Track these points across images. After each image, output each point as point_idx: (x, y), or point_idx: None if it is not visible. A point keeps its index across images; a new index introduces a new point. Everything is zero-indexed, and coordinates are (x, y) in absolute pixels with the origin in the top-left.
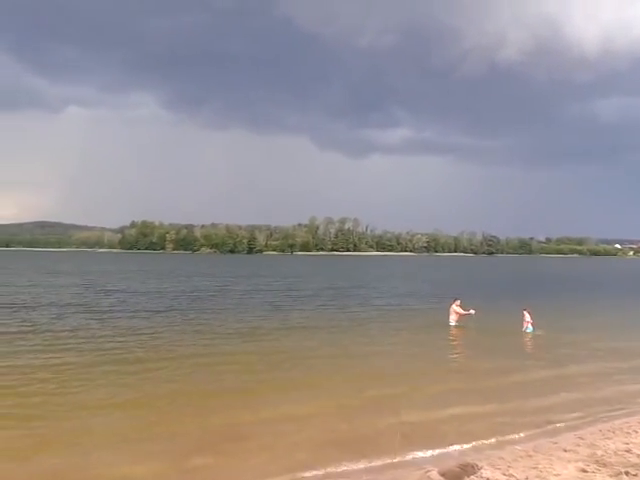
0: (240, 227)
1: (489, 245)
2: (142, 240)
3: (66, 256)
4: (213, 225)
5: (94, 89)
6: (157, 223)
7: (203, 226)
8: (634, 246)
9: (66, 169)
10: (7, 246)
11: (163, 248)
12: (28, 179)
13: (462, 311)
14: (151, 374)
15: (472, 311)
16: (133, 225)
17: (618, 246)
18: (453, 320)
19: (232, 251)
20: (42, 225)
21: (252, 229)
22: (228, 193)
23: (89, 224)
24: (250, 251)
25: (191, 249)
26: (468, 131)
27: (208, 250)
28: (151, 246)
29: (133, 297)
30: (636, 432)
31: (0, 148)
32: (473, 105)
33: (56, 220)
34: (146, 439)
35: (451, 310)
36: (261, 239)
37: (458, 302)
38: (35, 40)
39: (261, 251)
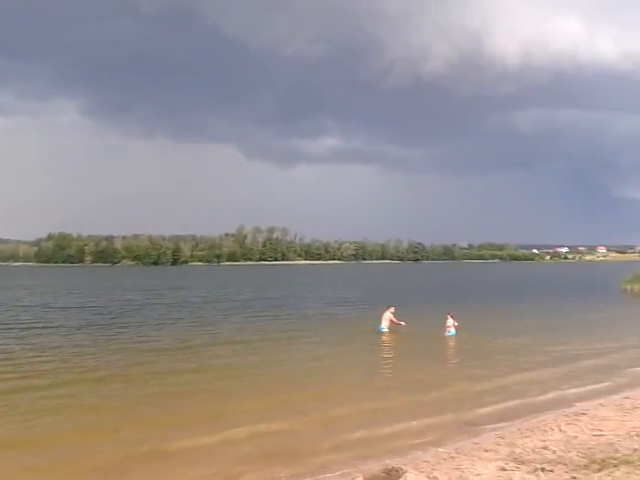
0: (164, 238)
1: (415, 252)
2: (59, 253)
3: None
4: (135, 236)
5: (11, 96)
6: (75, 235)
7: (124, 237)
8: (550, 251)
9: None
10: None
11: (82, 261)
12: None
13: (395, 319)
14: (74, 398)
15: (402, 323)
16: (50, 237)
17: (536, 251)
18: (385, 326)
19: (155, 263)
20: None
21: (176, 240)
22: (151, 203)
23: (3, 237)
24: (175, 262)
25: (111, 262)
26: (395, 141)
27: (130, 262)
28: (69, 259)
29: (52, 312)
30: (552, 430)
31: None
32: (400, 115)
33: None
34: (65, 475)
35: (384, 316)
36: (186, 250)
37: (392, 309)
38: None
39: (186, 262)
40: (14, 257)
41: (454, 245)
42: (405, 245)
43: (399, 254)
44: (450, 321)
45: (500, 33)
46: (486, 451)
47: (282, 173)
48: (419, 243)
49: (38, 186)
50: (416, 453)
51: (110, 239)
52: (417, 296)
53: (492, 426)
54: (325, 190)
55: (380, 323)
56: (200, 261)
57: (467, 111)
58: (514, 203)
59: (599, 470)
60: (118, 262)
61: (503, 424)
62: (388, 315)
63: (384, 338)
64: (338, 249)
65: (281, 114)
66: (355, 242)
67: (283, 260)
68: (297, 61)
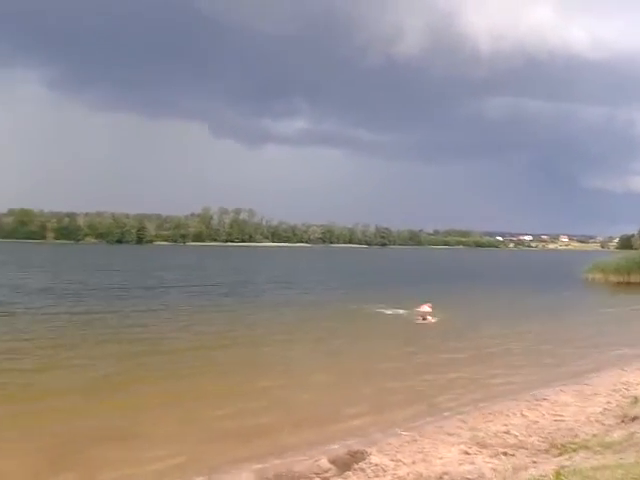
0: (128, 216)
1: (382, 237)
2: (20, 229)
3: None
4: (98, 213)
5: None
6: (37, 211)
7: (87, 214)
8: (514, 239)
9: None
10: None
11: (43, 237)
12: None
13: (429, 311)
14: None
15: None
16: (11, 213)
17: (500, 239)
18: (425, 317)
19: (119, 241)
20: None
21: (141, 218)
22: (115, 180)
23: None
24: (139, 241)
25: (74, 239)
26: (365, 124)
27: (93, 240)
28: (30, 235)
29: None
30: (514, 414)
31: None
32: (372, 98)
33: None
34: None
35: (422, 309)
36: (151, 229)
37: (429, 304)
38: None
39: (151, 241)
40: None
41: (420, 231)
42: (372, 230)
43: (366, 238)
44: (425, 308)
45: (471, 14)
46: (449, 435)
47: (251, 153)
48: (386, 228)
49: None
50: (380, 436)
51: (72, 216)
52: (400, 282)
53: (455, 410)
54: (293, 172)
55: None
56: (166, 241)
57: (438, 96)
58: (480, 190)
59: (559, 455)
60: (81, 239)
61: (466, 409)
62: (425, 309)
63: (376, 324)
64: (305, 232)
65: (253, 93)
66: (323, 225)
67: (250, 242)
68: (272, 39)
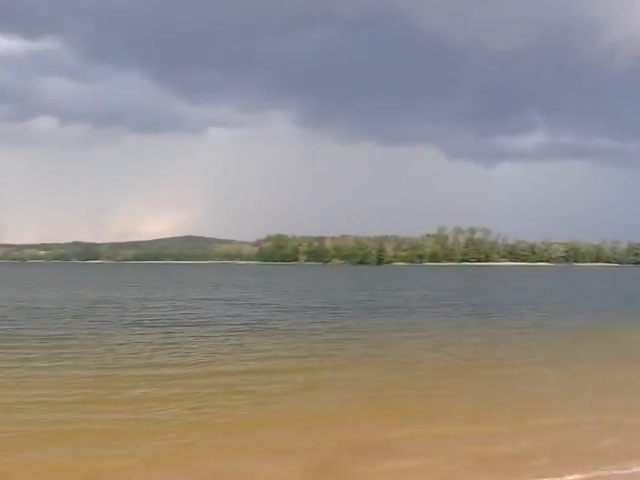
0: (369, 238)
1: (635, 254)
2: (277, 252)
3: (215, 268)
4: (343, 237)
5: (233, 110)
6: (290, 236)
7: (333, 238)
8: None
9: (208, 187)
10: (157, 259)
11: (296, 260)
12: (176, 197)
13: None
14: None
15: None
16: (269, 238)
17: None
18: None
19: (362, 262)
20: (188, 240)
21: (380, 240)
22: (357, 205)
23: (229, 237)
24: (379, 262)
25: (322, 260)
26: (609, 133)
27: (338, 261)
28: (285, 258)
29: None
30: None
31: (152, 170)
32: (617, 104)
33: (200, 234)
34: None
35: None
36: (389, 250)
37: None
38: (178, 64)
39: (390, 262)
40: (239, 256)
41: None
42: (624, 246)
43: (616, 256)
44: None
45: None
46: None
47: (484, 172)
48: None
49: (258, 192)
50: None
51: (320, 239)
52: None
53: None
54: (530, 188)
55: None
56: (403, 261)
57: None
58: None
59: None
60: (329, 261)
61: None
62: None
63: None
64: (546, 250)
65: (485, 111)
66: (565, 243)
67: (486, 261)
68: (502, 53)
